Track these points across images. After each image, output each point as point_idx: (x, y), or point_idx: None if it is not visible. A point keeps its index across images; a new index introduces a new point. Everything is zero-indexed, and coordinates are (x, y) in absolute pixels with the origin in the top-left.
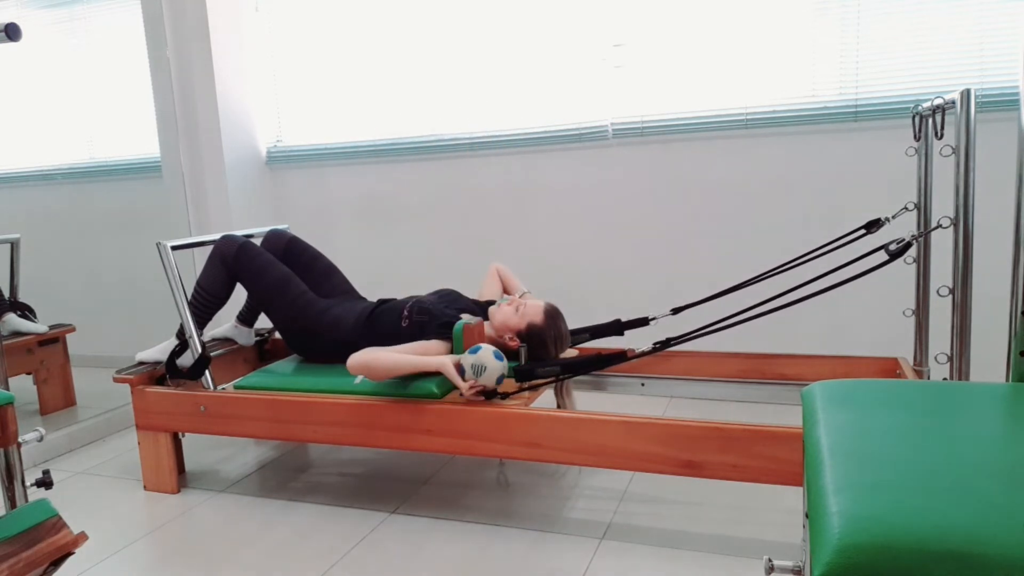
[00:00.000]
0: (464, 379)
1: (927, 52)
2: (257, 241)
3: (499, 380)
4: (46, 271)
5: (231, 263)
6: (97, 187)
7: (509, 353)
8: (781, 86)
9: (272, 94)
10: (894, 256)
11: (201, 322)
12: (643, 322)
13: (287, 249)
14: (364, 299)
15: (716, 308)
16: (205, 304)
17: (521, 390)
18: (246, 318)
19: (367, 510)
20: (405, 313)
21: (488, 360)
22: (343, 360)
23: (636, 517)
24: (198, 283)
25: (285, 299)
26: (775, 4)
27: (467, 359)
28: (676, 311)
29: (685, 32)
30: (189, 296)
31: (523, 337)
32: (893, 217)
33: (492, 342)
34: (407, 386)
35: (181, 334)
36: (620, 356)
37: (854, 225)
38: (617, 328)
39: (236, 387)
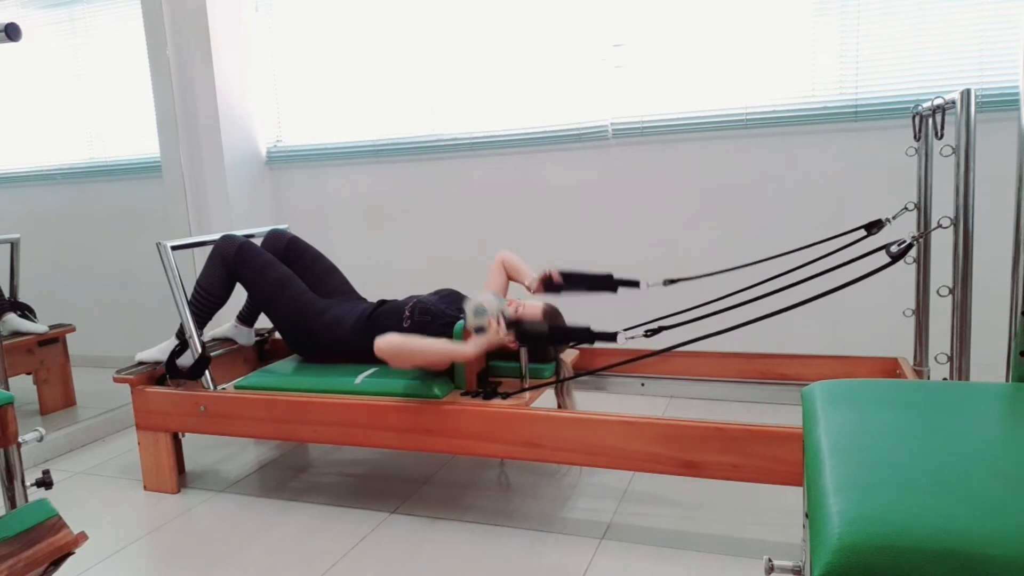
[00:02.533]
0: (487, 328)
1: (927, 52)
2: (257, 241)
3: (499, 302)
4: (46, 271)
5: (231, 263)
6: (97, 187)
7: (508, 354)
8: (781, 86)
9: (272, 94)
10: (896, 258)
11: (201, 322)
12: (634, 284)
13: (287, 249)
14: (364, 300)
15: (712, 289)
16: (205, 304)
17: (522, 390)
18: (246, 318)
19: (367, 510)
20: (407, 313)
21: (476, 303)
22: (343, 360)
23: (636, 517)
24: (198, 283)
25: (284, 299)
26: (775, 4)
27: (470, 321)
28: (669, 283)
29: (685, 32)
30: (189, 296)
31: None
32: (893, 218)
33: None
34: (408, 386)
35: (181, 334)
36: (611, 337)
37: (854, 225)
38: (610, 283)
39: (236, 387)
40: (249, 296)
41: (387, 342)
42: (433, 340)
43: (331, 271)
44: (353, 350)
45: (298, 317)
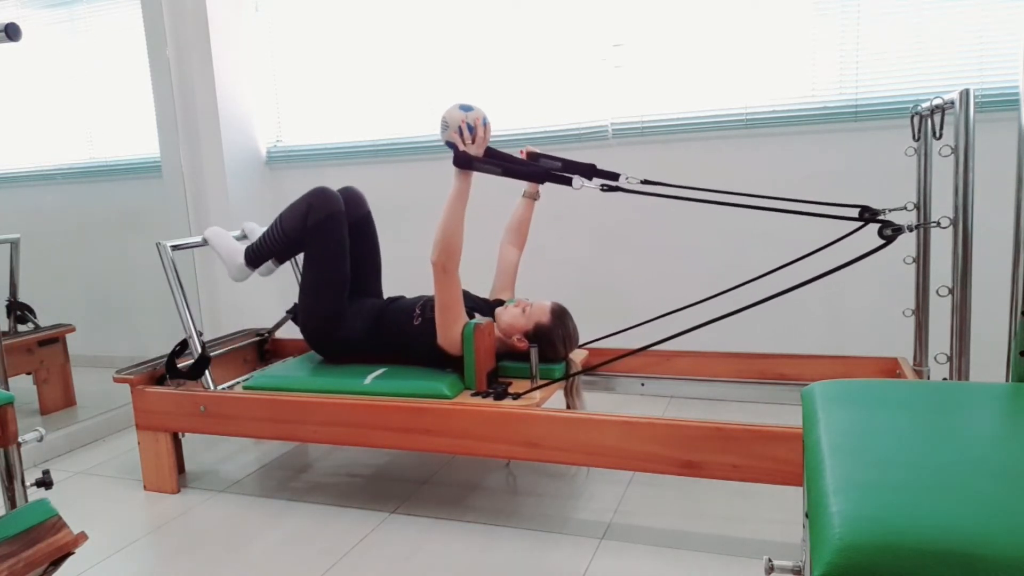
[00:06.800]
0: (463, 140)
1: (927, 52)
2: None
3: (464, 108)
4: (46, 271)
5: (311, 229)
6: (97, 187)
7: (518, 355)
8: (781, 86)
9: (272, 94)
10: (888, 240)
11: (281, 258)
12: (614, 176)
13: (359, 226)
14: (377, 299)
15: (709, 284)
16: (283, 245)
17: (532, 390)
18: (253, 260)
19: (367, 510)
20: (416, 311)
21: (442, 121)
22: (355, 360)
23: (636, 517)
24: (280, 220)
25: (328, 297)
26: (775, 4)
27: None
28: (646, 182)
29: (685, 32)
30: (258, 240)
31: (531, 338)
32: (889, 211)
33: (500, 343)
34: (418, 386)
35: (184, 339)
36: (567, 180)
37: (854, 226)
38: (592, 168)
39: (246, 387)
40: (303, 267)
41: (434, 250)
42: (443, 211)
43: (376, 272)
44: (365, 350)
45: (328, 317)
